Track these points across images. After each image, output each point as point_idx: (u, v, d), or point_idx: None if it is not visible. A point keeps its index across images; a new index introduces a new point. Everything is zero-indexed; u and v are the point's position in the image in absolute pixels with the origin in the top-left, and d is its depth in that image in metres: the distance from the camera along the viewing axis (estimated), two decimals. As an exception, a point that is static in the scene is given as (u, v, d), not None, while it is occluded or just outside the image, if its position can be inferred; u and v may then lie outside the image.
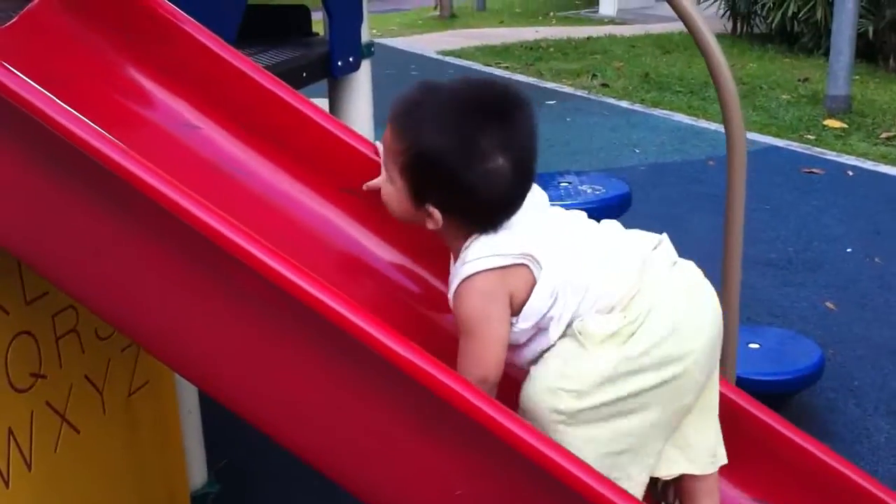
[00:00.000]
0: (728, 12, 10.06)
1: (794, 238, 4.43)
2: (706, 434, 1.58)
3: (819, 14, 8.43)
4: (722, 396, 1.61)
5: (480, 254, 1.44)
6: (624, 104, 7.29)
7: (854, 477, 1.66)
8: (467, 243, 1.46)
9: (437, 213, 1.45)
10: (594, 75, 8.33)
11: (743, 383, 2.73)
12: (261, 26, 2.83)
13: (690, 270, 1.55)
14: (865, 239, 4.37)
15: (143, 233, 1.25)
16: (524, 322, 1.47)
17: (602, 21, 12.89)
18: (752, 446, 1.68)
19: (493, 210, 1.46)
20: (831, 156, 5.69)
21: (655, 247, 1.53)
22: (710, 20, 9.22)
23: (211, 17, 1.89)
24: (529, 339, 1.49)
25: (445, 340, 1.58)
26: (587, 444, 1.43)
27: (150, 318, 1.31)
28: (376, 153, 1.61)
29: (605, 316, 1.45)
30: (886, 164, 5.51)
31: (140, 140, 1.55)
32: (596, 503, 1.24)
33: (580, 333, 1.44)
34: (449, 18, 13.17)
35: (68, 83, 1.48)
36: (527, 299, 1.45)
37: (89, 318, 1.74)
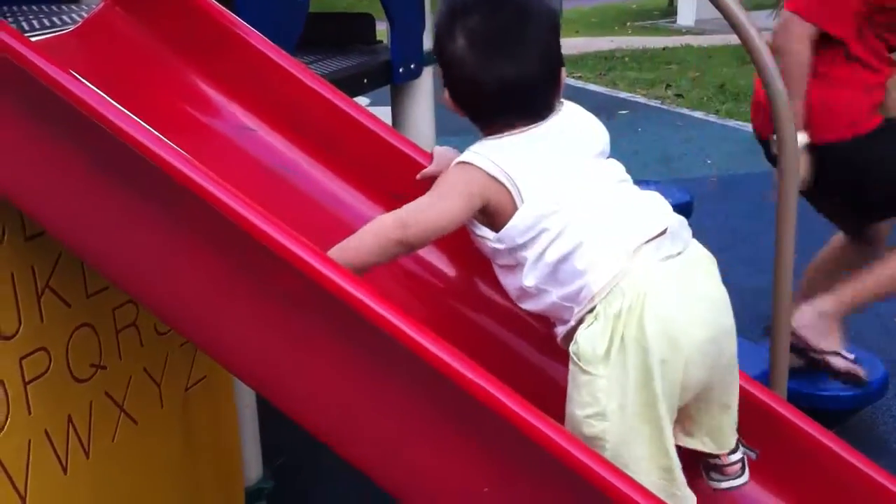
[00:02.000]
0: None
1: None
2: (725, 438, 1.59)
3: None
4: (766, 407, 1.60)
5: (473, 148, 1.51)
6: (698, 114, 7.22)
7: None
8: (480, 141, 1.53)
9: (446, 93, 1.54)
10: (668, 85, 8.26)
11: (802, 398, 2.70)
12: (327, 34, 2.90)
13: (694, 260, 1.51)
14: (942, 255, 4.25)
15: (196, 239, 1.29)
16: (499, 243, 1.49)
17: (680, 31, 12.76)
18: (796, 459, 1.67)
19: (475, 97, 1.51)
20: (912, 170, 5.54)
21: (661, 232, 1.48)
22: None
23: (273, 25, 1.96)
24: (510, 269, 1.52)
25: (494, 346, 1.60)
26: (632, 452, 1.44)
27: (194, 313, 1.36)
28: (431, 160, 1.65)
29: (592, 331, 1.43)
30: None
31: (198, 142, 1.61)
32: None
33: (576, 357, 1.44)
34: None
35: (129, 87, 1.54)
36: (502, 221, 1.48)
37: (148, 313, 1.80)
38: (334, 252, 1.40)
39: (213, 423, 2.12)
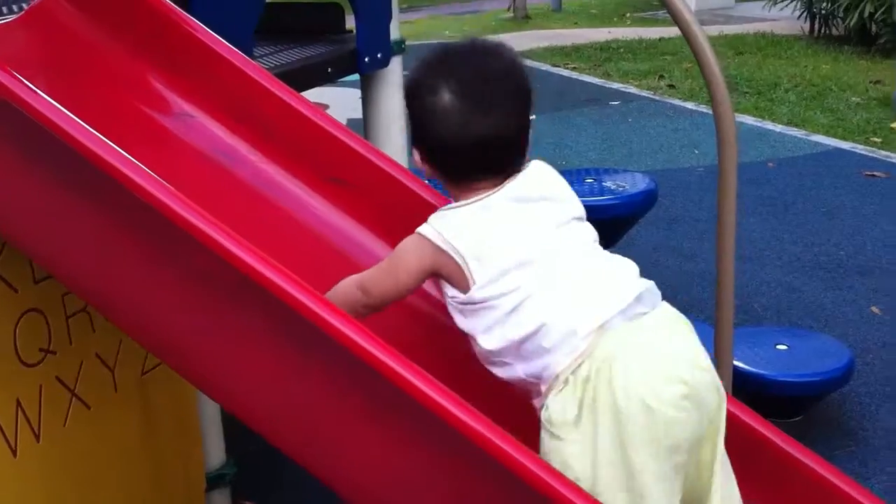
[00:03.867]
0: (805, 13, 9.84)
1: (847, 242, 4.34)
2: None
3: (897, 14, 8.20)
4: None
5: (431, 219, 1.54)
6: (689, 105, 7.21)
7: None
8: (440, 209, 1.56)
9: (416, 154, 1.57)
10: (661, 76, 8.25)
11: (768, 385, 2.72)
12: (294, 24, 2.92)
13: (656, 323, 1.46)
14: (922, 244, 4.26)
15: (118, 223, 1.31)
16: (462, 303, 1.49)
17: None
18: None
19: (451, 152, 1.51)
20: (896, 159, 5.55)
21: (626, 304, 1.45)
22: (787, 22, 9.00)
23: (228, 15, 1.98)
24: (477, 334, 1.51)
25: (427, 328, 1.62)
26: None
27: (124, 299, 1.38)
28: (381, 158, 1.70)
29: (562, 396, 1.42)
30: (954, 168, 5.35)
31: (137, 129, 1.63)
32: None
33: (548, 423, 1.43)
34: (523, 20, 13.14)
35: (69, 75, 1.56)
36: (463, 286, 1.49)
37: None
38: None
39: (172, 408, 2.13)
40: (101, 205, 1.30)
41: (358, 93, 3.00)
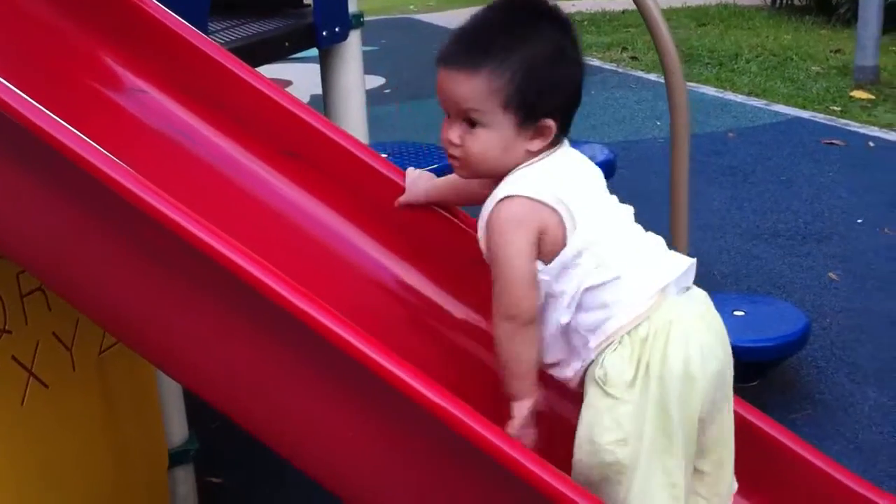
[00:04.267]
0: (767, -17, 9.90)
1: (805, 209, 4.40)
2: (726, 474, 1.58)
3: (856, -16, 8.26)
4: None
5: (514, 180, 1.47)
6: (652, 77, 7.24)
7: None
8: (515, 170, 1.48)
9: (552, 123, 1.47)
10: (624, 48, 8.27)
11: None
12: (250, -1, 2.89)
13: (702, 298, 1.52)
14: (878, 210, 4.33)
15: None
16: (544, 275, 1.46)
17: (641, -6, 12.72)
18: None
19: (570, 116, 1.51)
20: (854, 127, 5.61)
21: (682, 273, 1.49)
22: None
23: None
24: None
25: (375, 295, 1.63)
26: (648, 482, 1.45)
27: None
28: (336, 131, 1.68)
29: (620, 356, 1.44)
30: (910, 135, 5.43)
31: (91, 106, 1.61)
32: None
33: (602, 381, 1.44)
34: (487, -7, 13.12)
35: (19, 53, 1.55)
36: (554, 250, 1.46)
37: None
38: (513, 387, 1.46)
39: (132, 386, 2.13)
40: (52, 180, 1.29)
41: (318, 68, 2.99)
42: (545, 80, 1.46)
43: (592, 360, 1.47)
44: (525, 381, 1.47)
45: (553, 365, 1.54)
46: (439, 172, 2.92)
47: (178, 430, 2.33)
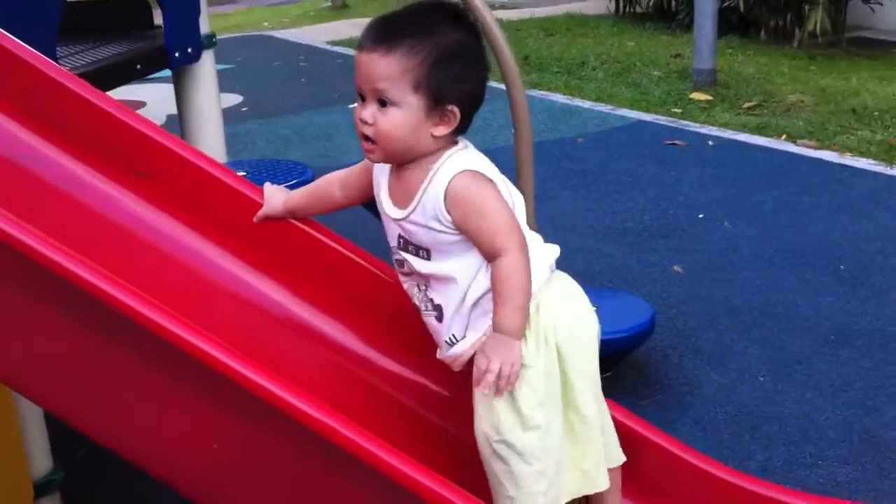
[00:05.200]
0: (611, -7, 10.32)
1: (651, 207, 4.64)
2: (597, 454, 1.74)
3: (691, -9, 8.70)
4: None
5: (468, 158, 1.61)
6: (504, 87, 7.44)
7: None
8: (445, 156, 1.60)
9: (457, 110, 1.59)
10: (478, 59, 8.48)
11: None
12: (99, 21, 2.89)
13: (565, 275, 1.74)
14: (718, 205, 4.61)
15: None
16: None
17: (492, 6, 13.03)
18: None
19: (475, 108, 1.64)
20: (694, 127, 5.93)
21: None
22: (595, 2, 9.34)
23: (28, 15, 1.97)
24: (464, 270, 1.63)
25: (232, 307, 1.69)
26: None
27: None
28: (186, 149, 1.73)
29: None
30: (746, 132, 5.77)
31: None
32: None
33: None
34: (341, 8, 13.18)
35: None
36: None
37: None
38: (512, 319, 1.57)
39: (-10, 416, 2.11)
40: None
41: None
42: (453, 69, 1.57)
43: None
44: (526, 312, 1.61)
45: (450, 343, 1.67)
46: (295, 188, 2.99)
47: (41, 460, 2.30)
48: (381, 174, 1.68)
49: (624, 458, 1.82)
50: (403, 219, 1.62)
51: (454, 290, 1.63)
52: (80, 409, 1.38)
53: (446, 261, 1.61)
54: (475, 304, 1.64)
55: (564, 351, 1.64)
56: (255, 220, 1.77)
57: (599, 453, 1.73)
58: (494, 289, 1.59)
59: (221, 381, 1.28)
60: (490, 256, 1.59)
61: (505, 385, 1.56)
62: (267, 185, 1.82)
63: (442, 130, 1.58)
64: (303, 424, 1.31)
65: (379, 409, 1.67)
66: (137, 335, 1.27)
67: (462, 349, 1.66)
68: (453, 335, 1.66)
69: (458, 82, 1.58)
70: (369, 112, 1.57)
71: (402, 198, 1.62)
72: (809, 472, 2.56)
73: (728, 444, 2.71)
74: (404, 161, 1.61)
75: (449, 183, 1.57)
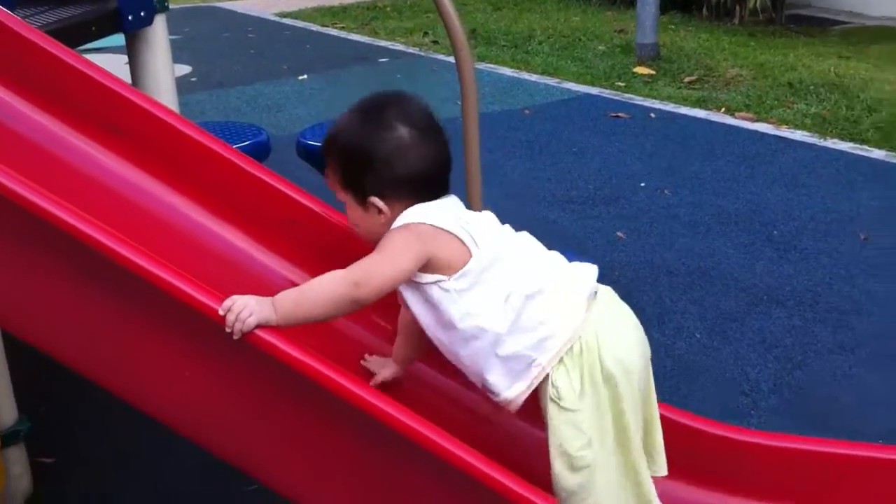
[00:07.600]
0: (556, -31, 10.42)
1: (595, 177, 4.78)
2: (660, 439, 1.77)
3: (636, -32, 8.85)
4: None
5: (411, 212, 1.62)
6: (452, 60, 7.52)
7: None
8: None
9: (377, 201, 1.64)
10: (426, 33, 8.55)
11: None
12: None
13: (610, 296, 1.69)
14: (658, 174, 4.77)
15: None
16: (459, 281, 1.59)
17: (440, -20, 13.04)
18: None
19: (416, 183, 1.64)
20: (637, 101, 6.09)
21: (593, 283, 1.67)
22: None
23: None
24: (467, 337, 1.62)
25: (204, 259, 1.77)
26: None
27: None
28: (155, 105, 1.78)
29: (564, 371, 1.60)
30: (686, 105, 5.94)
31: None
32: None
33: (557, 399, 1.60)
34: (289, -20, 13.12)
35: None
36: (454, 266, 1.59)
37: None
38: (289, 304, 1.51)
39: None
40: None
41: (125, 58, 3.04)
42: (357, 165, 1.64)
43: (544, 380, 1.62)
44: (301, 321, 1.55)
45: (493, 392, 1.67)
46: (250, 149, 3.05)
47: (7, 410, 2.37)
48: None
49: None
50: None
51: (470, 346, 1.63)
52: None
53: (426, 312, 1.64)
54: (505, 361, 1.63)
55: (615, 386, 1.60)
56: (372, 385, 1.74)
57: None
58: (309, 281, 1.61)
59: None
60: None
61: (238, 328, 1.47)
62: (370, 362, 1.88)
63: (383, 219, 1.65)
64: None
65: (343, 355, 1.75)
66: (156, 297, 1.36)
67: (504, 396, 1.65)
68: (496, 384, 1.66)
69: (368, 175, 1.64)
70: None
71: None
72: (743, 421, 2.71)
73: (666, 397, 2.83)
74: (379, 239, 1.66)
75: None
